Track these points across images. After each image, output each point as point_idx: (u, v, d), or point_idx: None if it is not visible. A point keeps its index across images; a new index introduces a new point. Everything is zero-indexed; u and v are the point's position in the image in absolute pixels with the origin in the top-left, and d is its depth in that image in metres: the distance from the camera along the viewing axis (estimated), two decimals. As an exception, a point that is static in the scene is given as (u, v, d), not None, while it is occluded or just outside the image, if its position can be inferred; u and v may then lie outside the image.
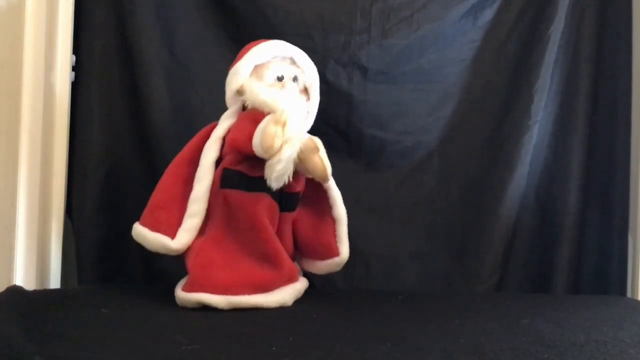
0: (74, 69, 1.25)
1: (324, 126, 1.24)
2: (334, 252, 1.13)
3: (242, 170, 1.04)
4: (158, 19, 1.29)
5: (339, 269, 1.15)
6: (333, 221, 1.14)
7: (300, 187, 1.09)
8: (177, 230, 1.06)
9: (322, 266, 1.15)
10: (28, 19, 1.12)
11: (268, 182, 1.00)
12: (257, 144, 0.98)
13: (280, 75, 1.09)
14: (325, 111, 1.22)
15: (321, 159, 1.03)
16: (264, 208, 1.05)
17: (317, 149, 1.02)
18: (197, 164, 1.08)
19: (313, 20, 1.30)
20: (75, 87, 1.26)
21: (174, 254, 1.06)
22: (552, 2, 1.33)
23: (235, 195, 1.05)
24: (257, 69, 1.08)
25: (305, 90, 1.13)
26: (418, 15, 1.33)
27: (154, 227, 1.06)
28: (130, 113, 1.29)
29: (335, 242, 1.13)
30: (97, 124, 1.28)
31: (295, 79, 1.11)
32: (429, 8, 1.33)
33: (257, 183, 1.02)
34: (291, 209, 1.10)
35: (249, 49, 1.10)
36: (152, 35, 1.28)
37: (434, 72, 1.37)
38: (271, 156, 0.98)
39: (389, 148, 1.36)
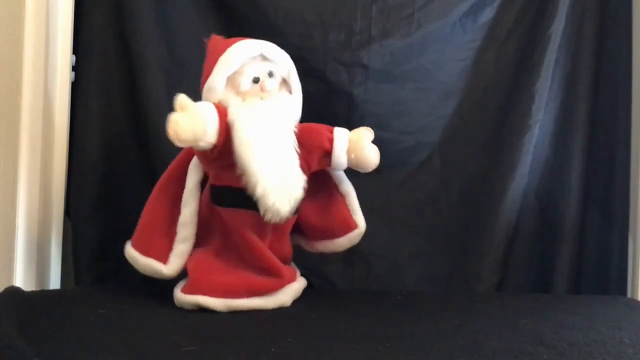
0: (74, 69, 1.25)
1: (324, 126, 1.23)
2: (352, 226, 1.13)
3: (229, 183, 1.02)
4: (157, 19, 1.28)
5: (358, 240, 1.14)
6: (342, 197, 1.14)
7: None
8: (169, 255, 1.07)
9: (343, 242, 1.14)
10: (28, 19, 1.12)
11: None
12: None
13: (255, 77, 1.05)
14: (325, 110, 1.21)
15: (374, 147, 1.07)
16: (254, 225, 1.04)
17: (370, 136, 1.07)
18: (184, 181, 1.08)
19: (313, 19, 1.29)
20: (75, 87, 1.26)
21: (167, 279, 1.07)
22: (552, 2, 1.33)
23: (226, 212, 1.05)
24: (230, 79, 1.05)
25: (285, 82, 1.10)
26: (418, 15, 1.32)
27: (146, 252, 1.07)
28: (130, 113, 1.29)
29: (350, 215, 1.13)
30: (97, 124, 1.28)
31: (271, 74, 1.07)
32: (429, 7, 1.33)
33: (247, 196, 0.99)
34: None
35: (217, 57, 1.06)
36: (152, 35, 1.28)
37: (435, 71, 1.36)
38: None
39: (389, 148, 1.35)
